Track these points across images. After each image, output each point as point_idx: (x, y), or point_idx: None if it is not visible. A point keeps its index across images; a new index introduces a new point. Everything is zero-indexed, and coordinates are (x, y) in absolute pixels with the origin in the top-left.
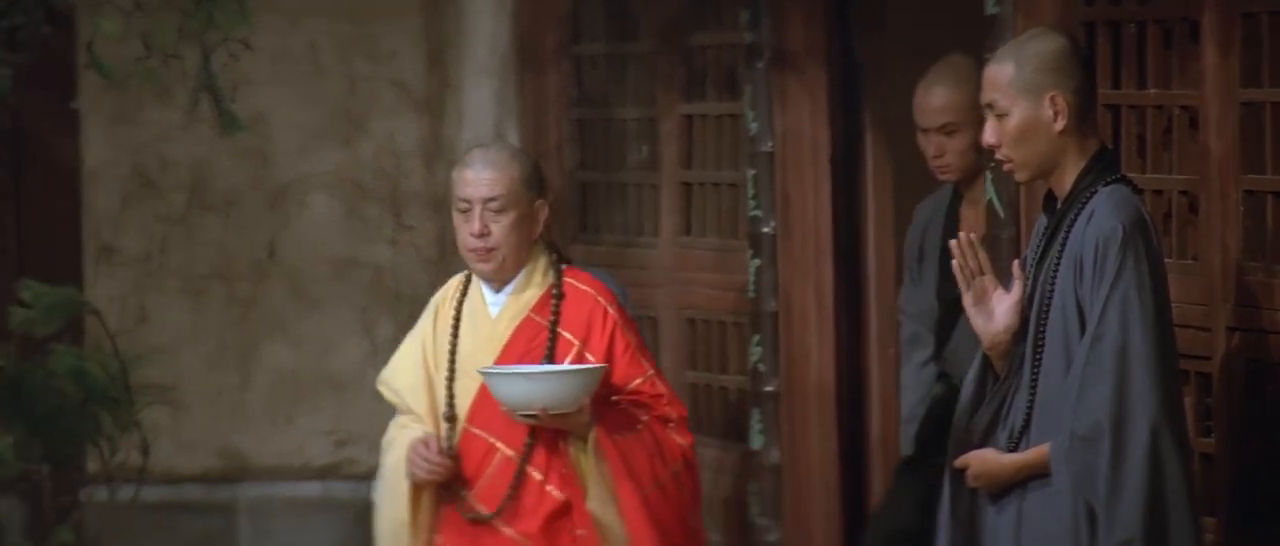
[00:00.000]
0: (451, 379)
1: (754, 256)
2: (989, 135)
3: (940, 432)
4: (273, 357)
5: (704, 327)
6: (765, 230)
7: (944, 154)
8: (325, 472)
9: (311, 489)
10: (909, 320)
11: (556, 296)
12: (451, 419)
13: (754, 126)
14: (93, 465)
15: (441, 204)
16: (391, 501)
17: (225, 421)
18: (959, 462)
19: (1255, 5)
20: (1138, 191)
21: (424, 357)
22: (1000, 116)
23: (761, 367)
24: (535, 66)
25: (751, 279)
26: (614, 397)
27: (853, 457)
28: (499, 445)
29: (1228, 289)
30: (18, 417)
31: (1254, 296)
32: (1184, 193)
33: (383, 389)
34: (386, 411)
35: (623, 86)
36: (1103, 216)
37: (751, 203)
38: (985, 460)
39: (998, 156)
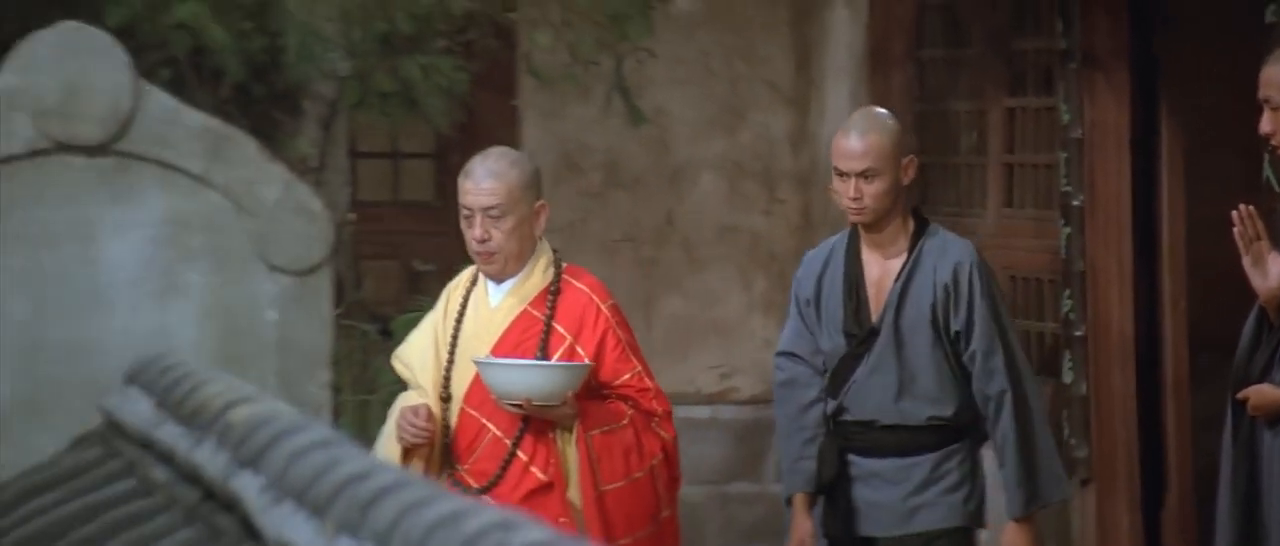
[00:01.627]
0: (450, 362)
1: (1065, 225)
2: (1266, 125)
3: (836, 482)
4: (670, 307)
5: (1023, 284)
6: (1075, 203)
7: (862, 197)
8: (712, 399)
9: (701, 412)
10: (791, 362)
11: (553, 293)
12: (447, 398)
13: (1066, 117)
14: None
15: (807, 181)
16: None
17: None
18: (1240, 395)
19: None
20: None
21: (434, 339)
22: (1275, 110)
23: (1072, 316)
24: (884, 68)
25: (1063, 244)
26: (604, 392)
27: (1147, 392)
28: (490, 426)
29: None
30: None
31: None
32: None
33: (396, 363)
34: (760, 351)
35: (956, 84)
36: None
37: (1063, 180)
38: (1263, 393)
39: (1274, 142)
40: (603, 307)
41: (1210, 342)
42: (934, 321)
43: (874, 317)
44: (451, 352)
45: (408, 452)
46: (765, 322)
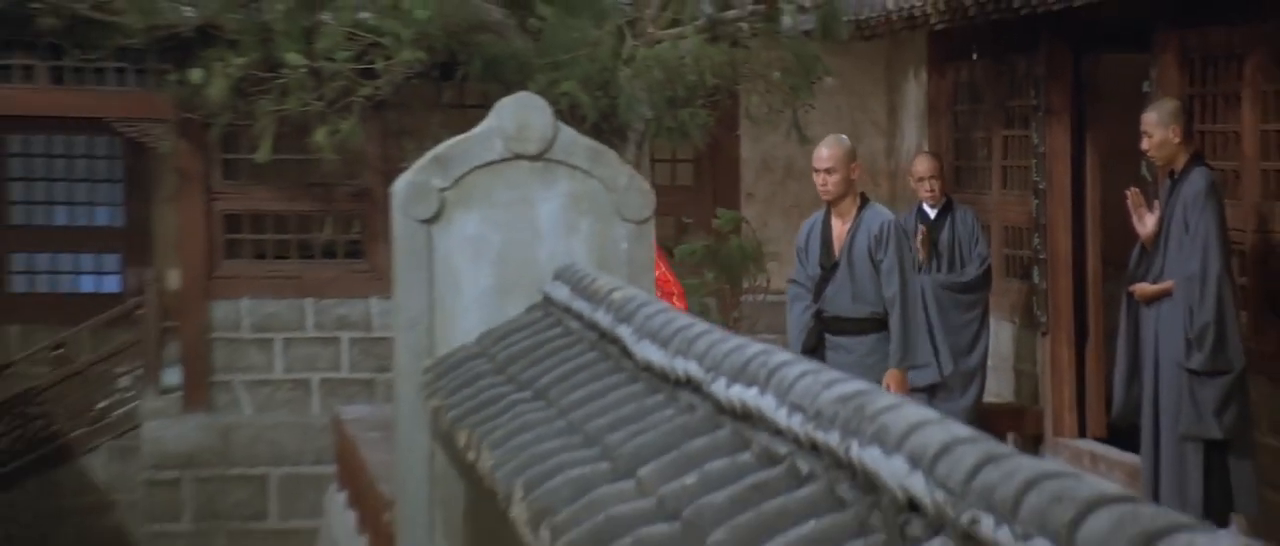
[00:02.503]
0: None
1: (1036, 199)
2: (1144, 145)
3: (817, 348)
4: None
5: (1012, 230)
6: (1040, 187)
7: (826, 185)
8: None
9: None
10: (794, 285)
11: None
12: None
13: (1036, 141)
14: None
15: (893, 176)
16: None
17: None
18: (1130, 288)
19: None
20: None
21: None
22: (1149, 138)
23: (1038, 247)
24: (936, 115)
25: (1033, 209)
26: None
27: (1079, 287)
28: None
29: None
30: (714, 263)
31: None
32: None
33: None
34: None
35: (975, 123)
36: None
37: (1034, 175)
38: (1142, 288)
39: (1149, 154)
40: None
41: (1112, 261)
42: (869, 257)
43: (836, 257)
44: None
45: None
46: None
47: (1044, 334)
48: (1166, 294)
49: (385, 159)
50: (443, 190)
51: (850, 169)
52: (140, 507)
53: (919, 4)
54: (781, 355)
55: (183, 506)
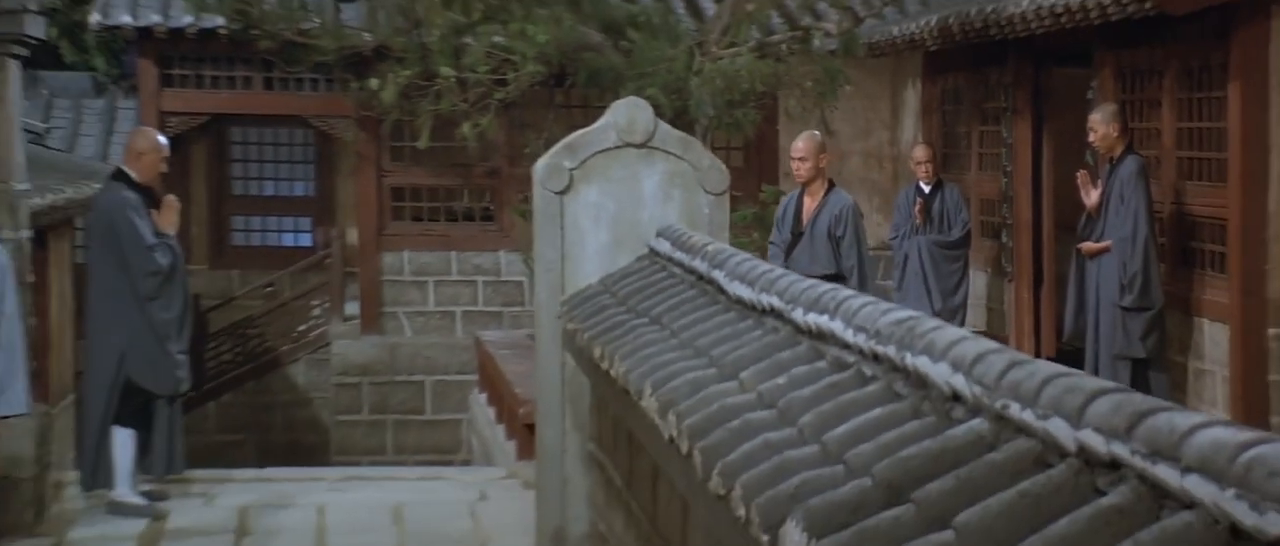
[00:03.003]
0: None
1: (1005, 178)
2: (1090, 138)
3: None
4: None
5: (986, 201)
6: (1007, 169)
7: (799, 171)
8: None
9: None
10: (772, 246)
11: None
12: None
13: (1005, 135)
14: None
15: (897, 160)
16: None
17: None
18: (1079, 246)
19: None
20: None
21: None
22: (1094, 132)
23: (1006, 214)
24: (929, 114)
25: (1002, 186)
26: None
27: (1037, 244)
28: None
29: None
30: (760, 225)
31: None
32: None
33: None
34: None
35: (959, 121)
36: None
37: (1003, 160)
38: (1087, 246)
39: (1094, 144)
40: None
41: (1063, 225)
42: (829, 232)
43: (803, 227)
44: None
45: None
46: (878, 219)
47: (1010, 280)
48: (1106, 250)
49: (511, 146)
50: (571, 169)
51: (819, 158)
52: (330, 404)
53: (917, 30)
54: (845, 292)
55: (361, 403)
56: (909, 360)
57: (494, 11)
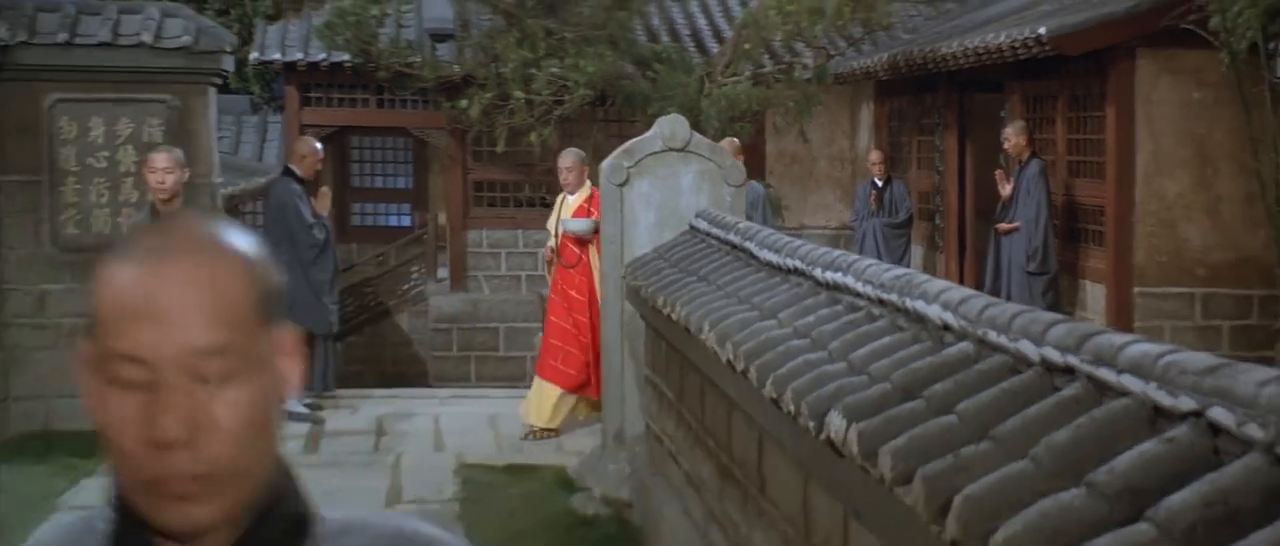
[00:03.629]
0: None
1: (937, 176)
2: (1004, 145)
3: None
4: (814, 201)
5: (924, 193)
6: (939, 170)
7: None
8: (799, 228)
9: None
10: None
11: (588, 198)
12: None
13: (938, 143)
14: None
15: (856, 163)
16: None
17: None
18: (997, 226)
19: None
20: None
21: (557, 215)
22: (1006, 141)
23: (939, 202)
24: (880, 128)
25: (936, 182)
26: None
27: (961, 225)
28: (572, 245)
29: None
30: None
31: None
32: None
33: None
34: (843, 215)
35: (903, 132)
36: (1028, 165)
37: (936, 163)
38: (1001, 226)
39: (1007, 149)
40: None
41: (983, 211)
42: (753, 205)
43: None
44: (557, 220)
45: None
46: (841, 206)
47: (941, 252)
48: (1016, 230)
49: (565, 151)
50: (628, 168)
51: (735, 155)
52: (427, 343)
53: (872, 65)
54: (853, 256)
55: (451, 343)
56: (909, 303)
57: (554, 49)
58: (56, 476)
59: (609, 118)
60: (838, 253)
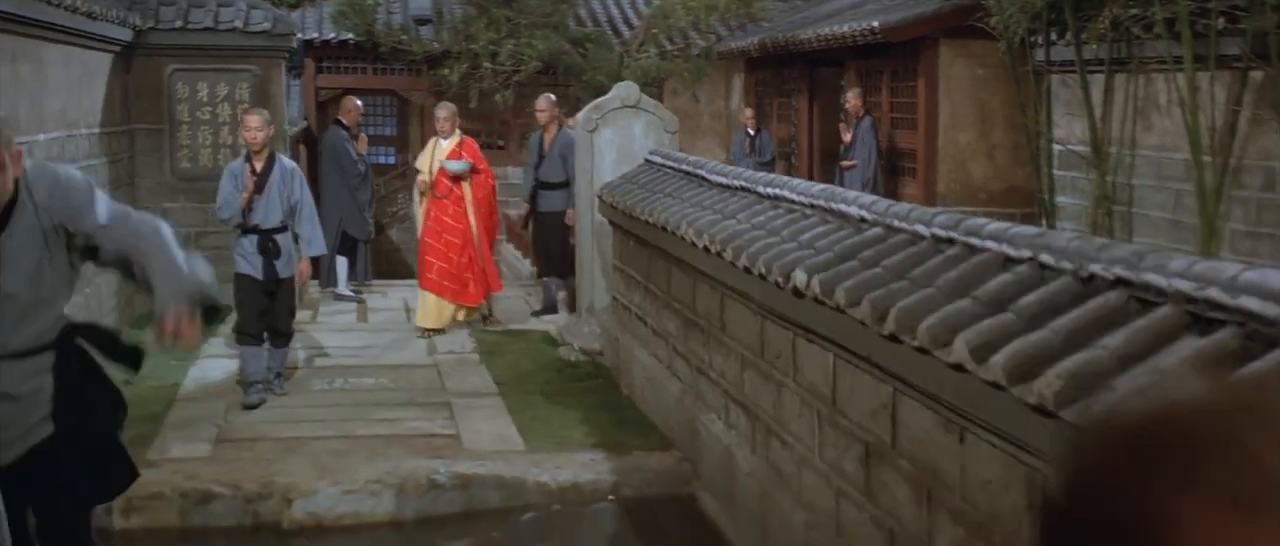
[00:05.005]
0: (432, 161)
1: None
2: (846, 107)
3: (535, 196)
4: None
5: (782, 144)
6: (794, 130)
7: (542, 118)
8: None
9: None
10: (528, 166)
11: (460, 143)
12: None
13: (795, 105)
14: None
15: (731, 121)
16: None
17: None
18: (841, 164)
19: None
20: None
21: (431, 156)
22: (844, 105)
23: (793, 157)
24: (753, 94)
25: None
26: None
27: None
28: (449, 182)
29: None
30: None
31: None
32: None
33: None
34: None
35: (769, 97)
36: (863, 121)
37: (793, 122)
38: (844, 164)
39: (848, 109)
40: (476, 149)
41: (826, 153)
42: (561, 156)
43: (545, 153)
44: (432, 159)
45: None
46: (719, 150)
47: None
48: (854, 167)
49: (517, 108)
50: (597, 119)
51: (552, 110)
52: (411, 251)
53: (746, 46)
54: (784, 177)
55: None
56: (834, 205)
57: (512, 31)
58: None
59: (552, 83)
60: (774, 175)
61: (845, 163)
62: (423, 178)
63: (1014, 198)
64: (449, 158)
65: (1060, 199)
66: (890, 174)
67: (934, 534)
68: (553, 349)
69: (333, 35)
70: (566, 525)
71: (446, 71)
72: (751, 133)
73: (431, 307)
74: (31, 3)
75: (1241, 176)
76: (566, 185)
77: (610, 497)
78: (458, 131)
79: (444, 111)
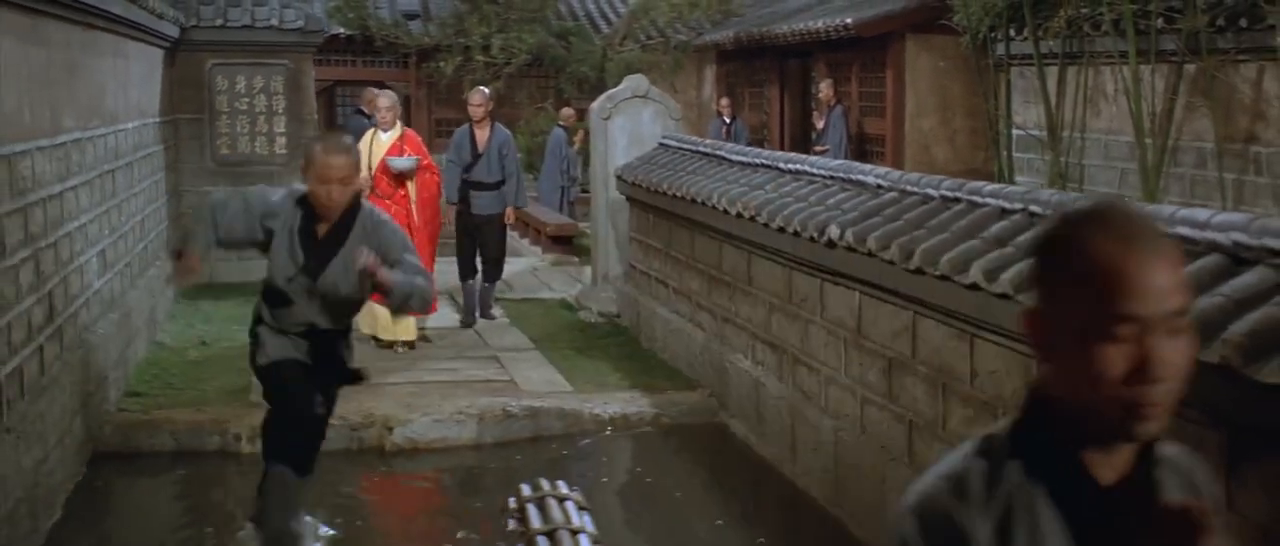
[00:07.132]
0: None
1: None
2: (821, 95)
3: (465, 196)
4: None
5: (754, 129)
6: (765, 117)
7: (476, 115)
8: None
9: None
10: (452, 164)
11: (401, 137)
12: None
13: (766, 97)
14: None
15: (703, 111)
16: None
17: None
18: (813, 148)
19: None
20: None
21: (369, 150)
22: (815, 96)
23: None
24: (723, 85)
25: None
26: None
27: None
28: (390, 181)
29: None
30: None
31: None
32: None
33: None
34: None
35: (738, 87)
36: (835, 110)
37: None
38: (816, 150)
39: (823, 98)
40: (420, 143)
41: (795, 140)
42: (498, 153)
43: (479, 152)
44: (369, 154)
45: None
46: (694, 136)
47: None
48: (826, 152)
49: (509, 99)
50: (610, 108)
51: (487, 105)
52: None
53: (719, 39)
54: (801, 156)
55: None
56: (853, 176)
57: (504, 26)
58: (240, 304)
59: (539, 74)
60: (793, 154)
61: (818, 147)
62: (361, 176)
63: (973, 178)
64: (390, 153)
65: (1019, 178)
66: (860, 157)
67: (948, 418)
68: (572, 314)
69: (332, 30)
70: (619, 446)
71: (441, 64)
72: (727, 120)
73: (384, 316)
74: (125, 3)
75: (1177, 156)
76: (501, 185)
77: (651, 425)
78: (399, 124)
79: (386, 100)
